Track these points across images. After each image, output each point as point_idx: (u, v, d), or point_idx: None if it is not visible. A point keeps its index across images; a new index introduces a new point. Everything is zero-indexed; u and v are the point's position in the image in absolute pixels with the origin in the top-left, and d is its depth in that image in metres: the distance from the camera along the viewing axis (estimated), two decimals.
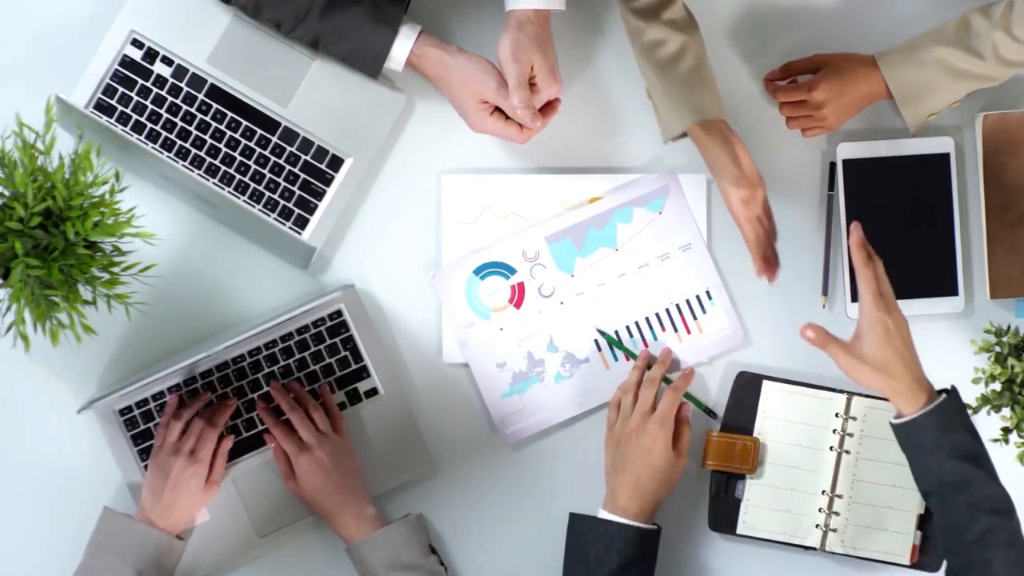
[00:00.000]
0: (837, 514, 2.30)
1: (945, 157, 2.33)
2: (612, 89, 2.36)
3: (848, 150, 2.33)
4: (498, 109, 2.25)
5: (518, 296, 2.33)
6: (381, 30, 2.24)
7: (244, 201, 2.30)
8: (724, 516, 2.31)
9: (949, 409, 2.11)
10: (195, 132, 2.30)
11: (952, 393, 2.11)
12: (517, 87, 2.21)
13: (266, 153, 2.30)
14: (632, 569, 2.20)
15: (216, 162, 2.30)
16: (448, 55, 2.25)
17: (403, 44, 2.25)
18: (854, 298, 2.33)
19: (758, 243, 2.22)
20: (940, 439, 2.10)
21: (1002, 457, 2.30)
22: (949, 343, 2.34)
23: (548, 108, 2.26)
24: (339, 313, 2.31)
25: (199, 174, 2.30)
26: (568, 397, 2.32)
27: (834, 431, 2.30)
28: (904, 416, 2.12)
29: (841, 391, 2.31)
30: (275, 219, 2.30)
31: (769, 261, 2.23)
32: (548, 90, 2.23)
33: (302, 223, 2.30)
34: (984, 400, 2.01)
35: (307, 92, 2.31)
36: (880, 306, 2.14)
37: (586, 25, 2.36)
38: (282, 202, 2.31)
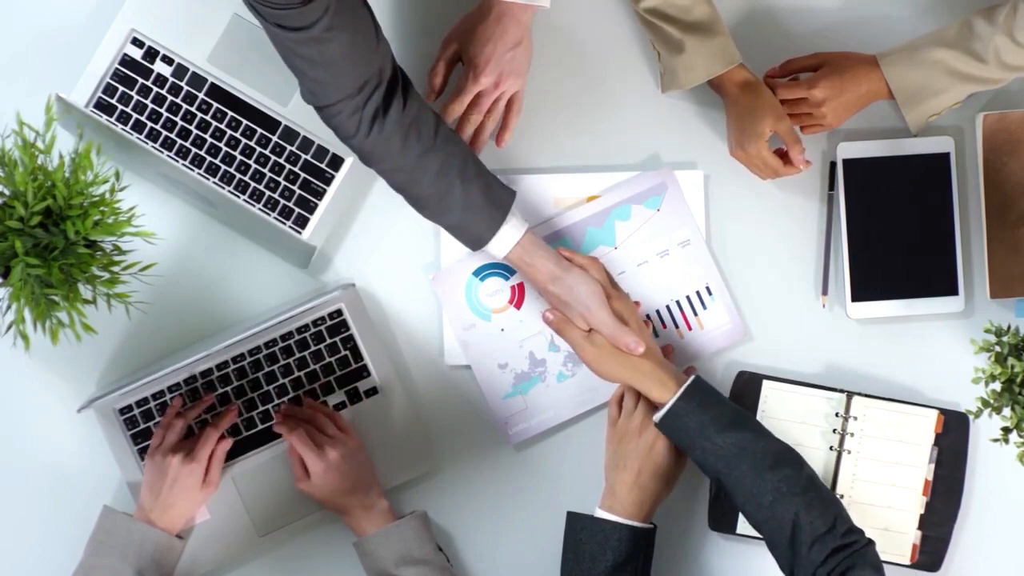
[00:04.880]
0: None
1: (945, 157, 2.33)
2: (608, 87, 2.36)
3: (848, 150, 2.33)
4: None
5: (518, 296, 2.33)
6: (491, 211, 2.17)
7: (244, 200, 2.30)
8: (724, 516, 2.31)
9: (699, 389, 2.17)
10: (195, 131, 2.30)
11: (697, 376, 2.19)
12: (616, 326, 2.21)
13: (266, 152, 2.30)
14: (626, 567, 2.20)
15: (216, 161, 2.30)
16: (560, 270, 2.20)
17: (510, 234, 2.18)
18: (854, 298, 2.33)
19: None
20: (702, 418, 2.15)
21: (1002, 457, 2.30)
22: (949, 343, 2.34)
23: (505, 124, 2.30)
24: (339, 312, 2.31)
25: (199, 173, 2.30)
26: (571, 396, 2.32)
27: (834, 431, 2.30)
28: (661, 409, 2.17)
29: (841, 391, 2.30)
30: (275, 218, 2.30)
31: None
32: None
33: (302, 222, 2.30)
34: (984, 403, 2.01)
35: None
36: (614, 295, 2.23)
37: (581, 23, 2.36)
38: (282, 201, 2.30)
